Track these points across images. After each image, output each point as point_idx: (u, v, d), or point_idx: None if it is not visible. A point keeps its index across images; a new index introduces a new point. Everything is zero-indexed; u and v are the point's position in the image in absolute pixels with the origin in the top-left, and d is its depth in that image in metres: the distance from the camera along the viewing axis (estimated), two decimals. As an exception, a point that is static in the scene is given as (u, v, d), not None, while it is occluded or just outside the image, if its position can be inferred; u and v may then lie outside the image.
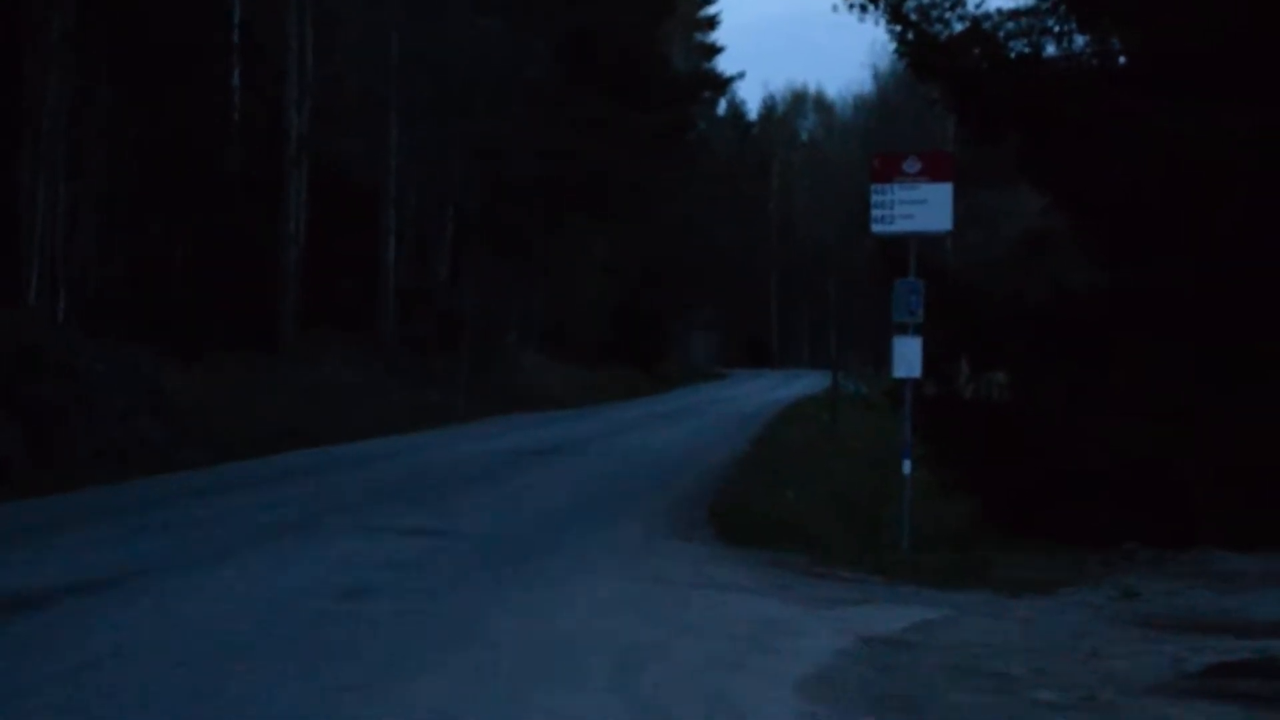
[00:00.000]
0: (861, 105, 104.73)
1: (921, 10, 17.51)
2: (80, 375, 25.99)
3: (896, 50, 18.39)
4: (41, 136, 31.48)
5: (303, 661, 9.91)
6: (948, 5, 17.50)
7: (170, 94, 36.19)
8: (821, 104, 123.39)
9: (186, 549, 15.19)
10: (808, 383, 70.06)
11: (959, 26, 17.71)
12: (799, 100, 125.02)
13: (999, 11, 17.90)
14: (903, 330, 15.61)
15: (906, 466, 15.68)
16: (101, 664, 9.64)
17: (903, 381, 15.85)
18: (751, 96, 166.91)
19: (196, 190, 37.60)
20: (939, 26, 17.72)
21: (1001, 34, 17.76)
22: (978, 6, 17.55)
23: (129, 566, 13.76)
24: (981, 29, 17.64)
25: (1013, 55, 17.77)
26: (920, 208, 15.64)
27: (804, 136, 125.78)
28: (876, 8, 17.51)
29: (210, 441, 26.79)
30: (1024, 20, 17.87)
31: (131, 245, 35.37)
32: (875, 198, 15.82)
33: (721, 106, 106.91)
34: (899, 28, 17.56)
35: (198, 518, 17.91)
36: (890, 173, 15.79)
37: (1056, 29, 17.79)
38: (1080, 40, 17.99)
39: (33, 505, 18.99)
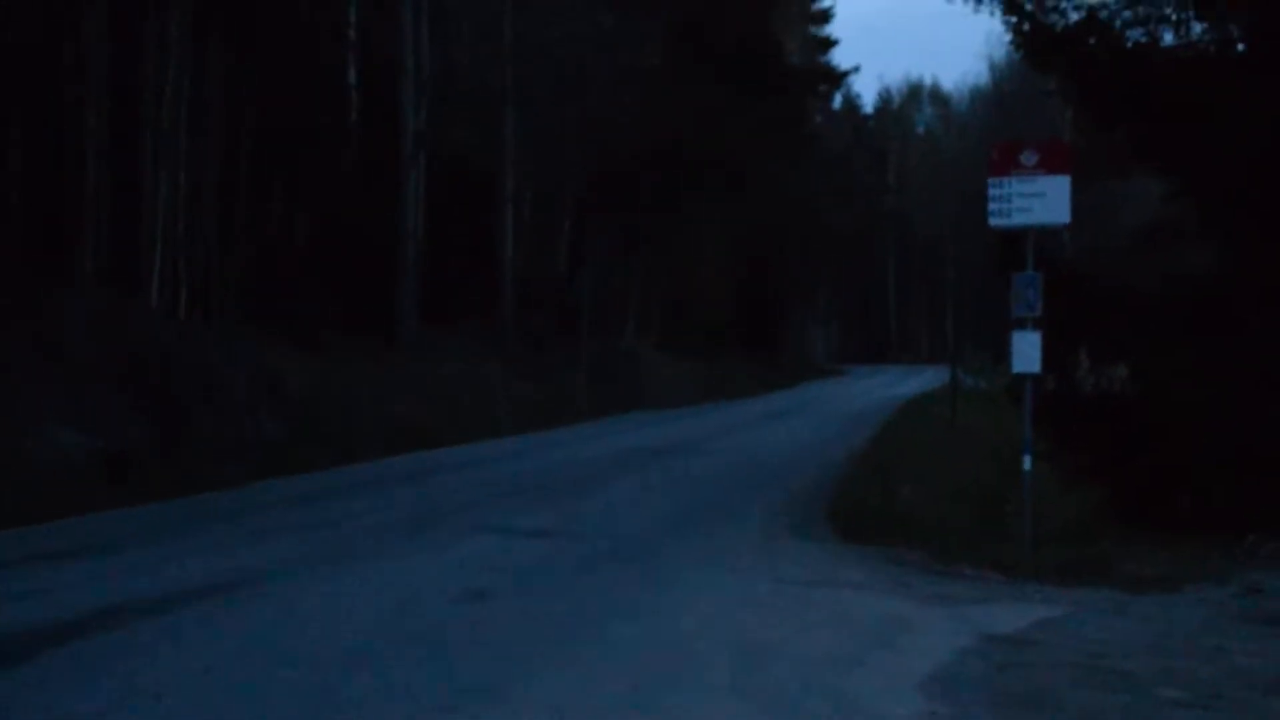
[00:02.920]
0: (978, 97, 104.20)
1: (1037, 1, 17.38)
2: (204, 370, 26.30)
3: (1012, 41, 18.24)
4: (162, 131, 31.85)
5: (424, 663, 9.96)
6: (1063, -4, 17.38)
7: (287, 90, 36.50)
8: (937, 96, 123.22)
9: (308, 552, 15.32)
10: (926, 378, 69.72)
11: (1075, 16, 17.58)
12: (915, 93, 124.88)
13: (1115, 0, 17.74)
14: (1021, 325, 15.47)
15: (1027, 462, 15.52)
16: (227, 666, 9.75)
17: (1022, 377, 15.71)
18: (866, 90, 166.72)
19: (315, 184, 37.93)
20: (1055, 17, 17.61)
21: (1118, 23, 17.61)
22: (1093, -5, 17.43)
23: (252, 570, 13.91)
24: (1098, 18, 17.49)
25: (1129, 44, 17.60)
26: (1038, 200, 15.47)
27: (920, 129, 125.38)
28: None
29: (330, 438, 27.00)
30: (1140, 9, 17.70)
31: (250, 239, 35.72)
32: (992, 191, 15.67)
33: (837, 100, 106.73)
34: (1014, 19, 17.43)
35: (318, 520, 18.09)
36: (1007, 165, 15.63)
37: (1173, 16, 17.61)
38: (1197, 27, 17.79)
39: (156, 509, 19.20)
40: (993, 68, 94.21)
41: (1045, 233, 16.25)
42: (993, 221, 15.72)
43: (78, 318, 24.89)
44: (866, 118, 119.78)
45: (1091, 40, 17.47)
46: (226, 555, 14.97)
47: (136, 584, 12.97)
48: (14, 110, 28.07)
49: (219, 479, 22.00)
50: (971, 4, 17.94)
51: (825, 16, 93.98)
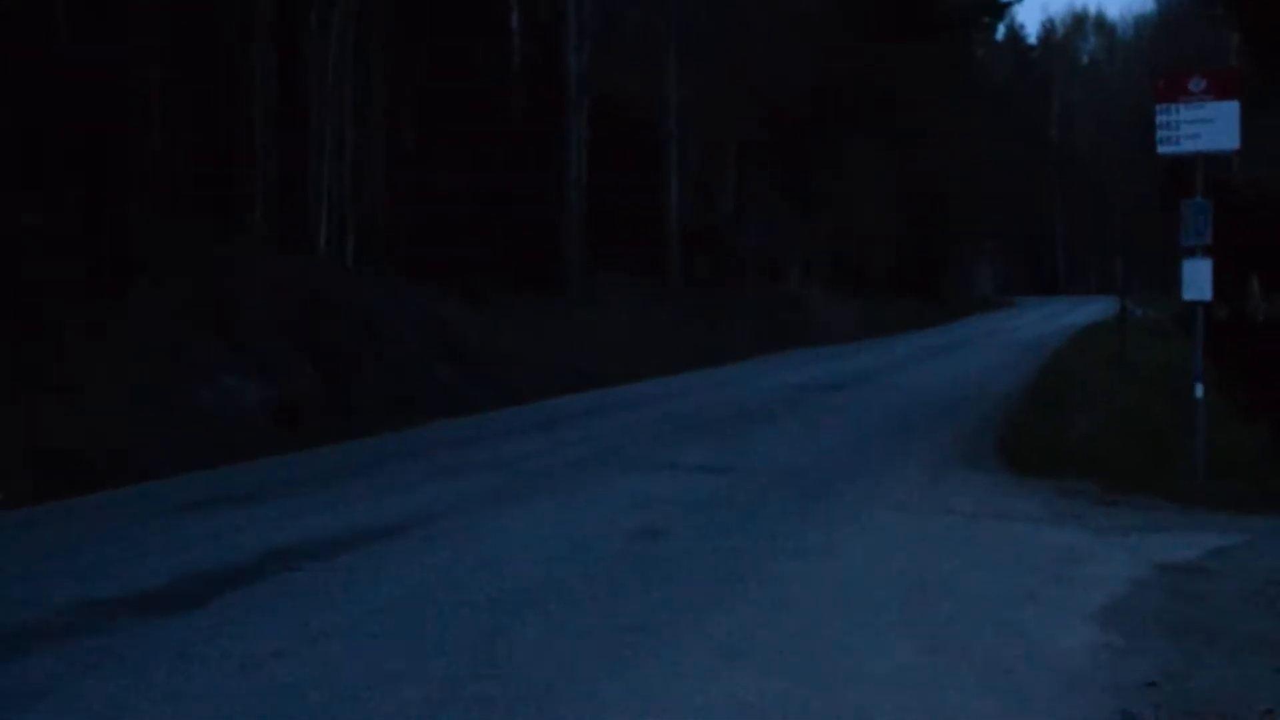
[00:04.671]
0: (1143, 25, 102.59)
1: (1204, -75, 17.14)
2: (373, 319, 26.59)
3: (1178, -33, 17.97)
4: (328, 84, 32.14)
5: (594, 602, 10.02)
6: (1232, -81, 17.10)
7: (451, 38, 36.71)
8: (1102, 26, 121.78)
9: (479, 492, 15.43)
10: (1095, 309, 69.01)
11: (1243, -61, 17.30)
12: (1079, 22, 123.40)
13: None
14: (1191, 253, 15.31)
15: (1199, 391, 15.37)
16: (400, 607, 9.85)
17: (1193, 305, 15.54)
18: (1030, 20, 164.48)
19: (479, 134, 38.11)
20: (1223, -60, 17.32)
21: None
22: (1263, -81, 17.12)
23: (424, 511, 14.04)
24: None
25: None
26: (1206, 126, 15.30)
27: (1084, 59, 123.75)
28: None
29: (498, 384, 27.21)
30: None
31: (417, 190, 35.98)
32: (1160, 118, 15.52)
33: (1000, 32, 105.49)
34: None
35: (485, 461, 18.20)
36: (1175, 93, 15.46)
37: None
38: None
39: (326, 453, 19.48)
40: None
41: (1214, 160, 16.04)
42: (1161, 149, 15.56)
43: (248, 271, 25.25)
44: (1030, 49, 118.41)
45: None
46: (398, 497, 15.12)
47: (309, 526, 13.14)
48: (185, 70, 28.43)
49: (389, 424, 22.29)
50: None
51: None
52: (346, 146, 32.66)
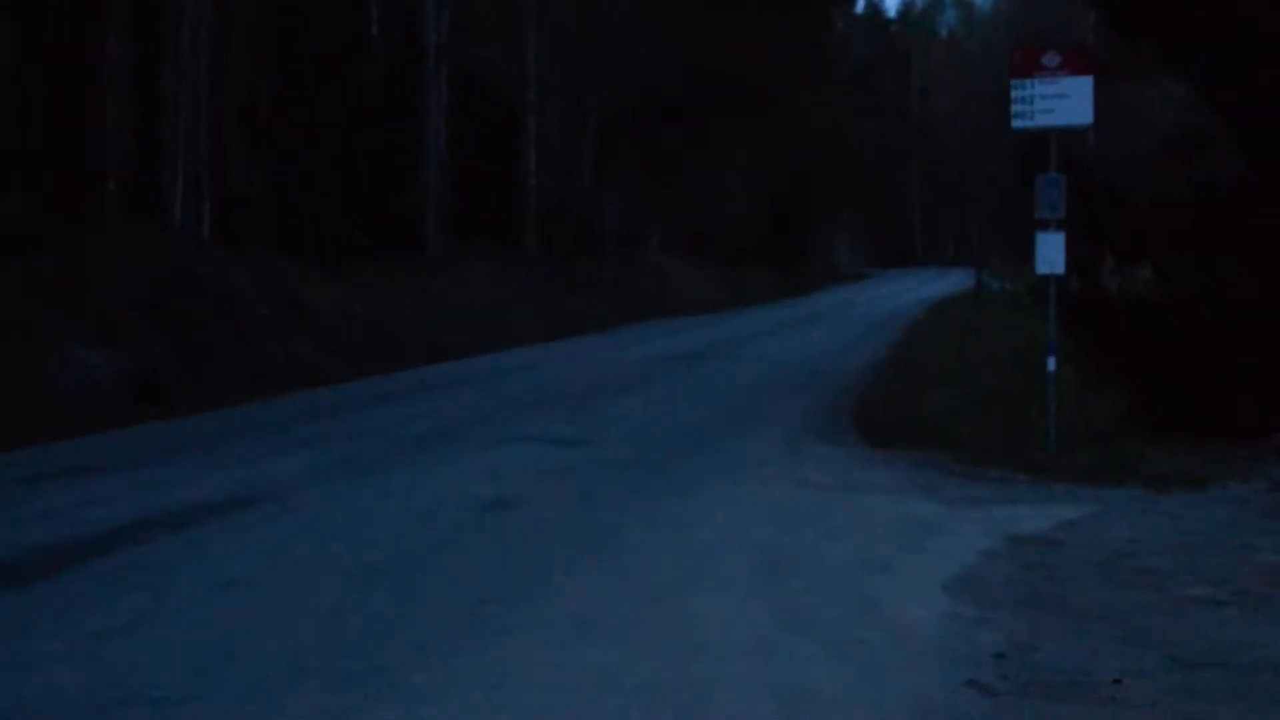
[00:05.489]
0: (1001, 0, 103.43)
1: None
2: (227, 292, 26.31)
3: (1035, -58, 18.08)
4: (182, 51, 31.68)
5: (446, 574, 10.00)
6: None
7: (308, 6, 36.37)
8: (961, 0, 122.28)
9: (331, 464, 15.30)
10: (951, 281, 69.65)
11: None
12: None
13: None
14: (1044, 226, 15.43)
15: (1051, 364, 15.53)
16: (250, 580, 9.76)
17: (1046, 278, 15.68)
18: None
19: (337, 103, 37.79)
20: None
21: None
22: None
23: (277, 483, 13.91)
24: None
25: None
26: (1061, 102, 15.46)
27: (944, 33, 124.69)
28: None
29: (354, 354, 27.05)
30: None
31: (273, 160, 35.61)
32: (1015, 93, 15.66)
33: (860, 5, 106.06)
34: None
35: (341, 432, 18.10)
36: (1030, 67, 15.60)
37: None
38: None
39: (181, 424, 19.24)
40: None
41: (1068, 135, 16.19)
42: (1016, 123, 15.71)
43: (101, 245, 24.88)
44: (889, 22, 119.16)
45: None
46: (251, 468, 14.97)
47: (159, 499, 12.97)
48: (34, 41, 27.90)
49: (245, 396, 22.06)
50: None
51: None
52: (202, 117, 32.22)
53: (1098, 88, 15.63)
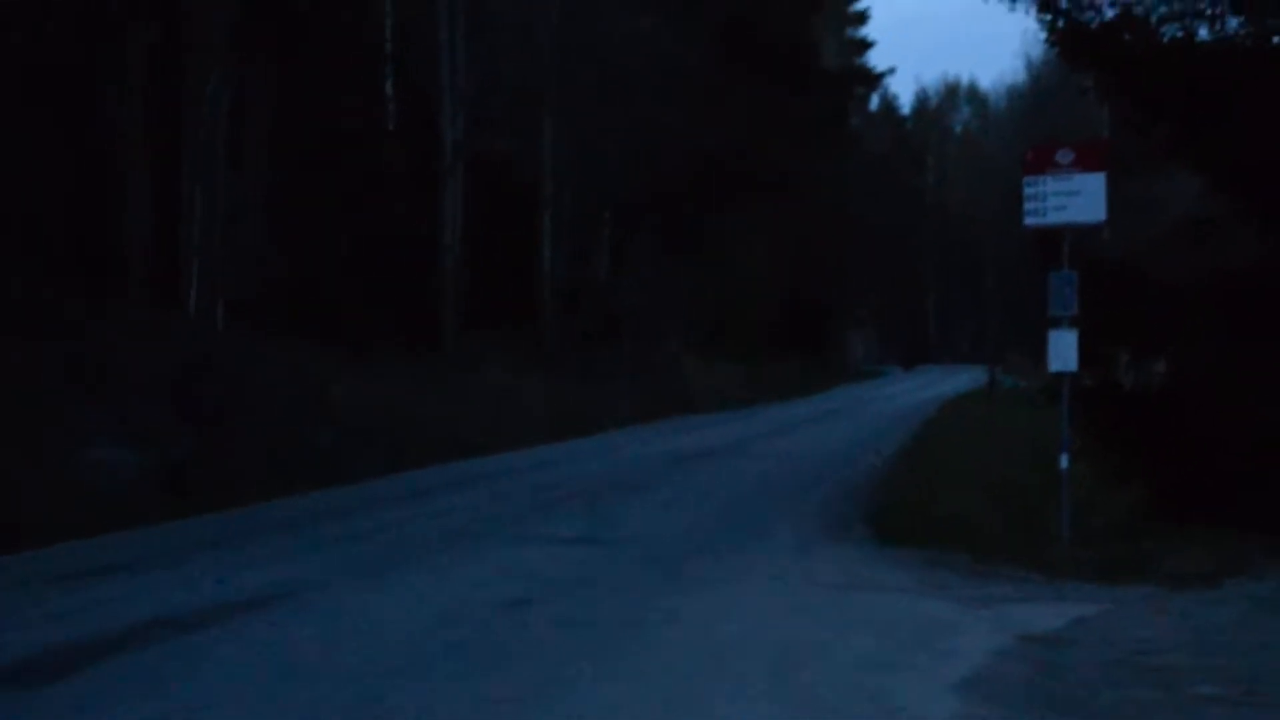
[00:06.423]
0: (1015, 95, 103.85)
1: (1072, -2, 17.34)
2: (246, 380, 26.34)
3: (1047, 39, 18.15)
4: (201, 139, 31.85)
5: (464, 672, 9.99)
6: (1098, -8, 17.30)
7: (328, 98, 36.60)
8: (975, 95, 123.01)
9: (351, 563, 15.34)
10: (966, 378, 69.68)
11: (1110, 13, 17.50)
12: (952, 92, 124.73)
13: (1150, -5, 17.67)
14: (1057, 324, 15.46)
15: (1064, 461, 15.50)
16: (268, 682, 9.76)
17: (1060, 376, 15.69)
18: (904, 90, 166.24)
19: (355, 193, 37.96)
20: (1090, 14, 17.53)
21: (1153, 19, 17.52)
22: (1129, -9, 17.34)
23: (299, 582, 13.91)
24: (1133, 14, 17.42)
25: (1165, 40, 17.50)
26: (1073, 199, 15.50)
27: (958, 129, 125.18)
28: (1027, -2, 17.38)
29: (374, 446, 27.04)
30: (1176, 4, 17.61)
31: (291, 248, 35.73)
32: (1028, 190, 15.71)
33: (874, 102, 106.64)
34: (1049, 16, 17.39)
35: (363, 530, 18.11)
36: (1043, 164, 15.66)
37: (1209, 11, 17.51)
38: (1234, 22, 17.68)
39: (205, 521, 19.23)
40: (1030, 66, 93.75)
41: (1082, 230, 16.22)
42: (1028, 221, 15.75)
43: (119, 335, 24.94)
44: (904, 119, 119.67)
45: (1126, 36, 17.41)
46: (274, 567, 15.00)
47: (178, 598, 12.99)
48: (55, 131, 28.11)
49: (267, 490, 22.04)
50: (1006, 2, 17.91)
51: (862, 18, 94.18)
52: (219, 202, 32.33)
53: (1111, 182, 15.67)
